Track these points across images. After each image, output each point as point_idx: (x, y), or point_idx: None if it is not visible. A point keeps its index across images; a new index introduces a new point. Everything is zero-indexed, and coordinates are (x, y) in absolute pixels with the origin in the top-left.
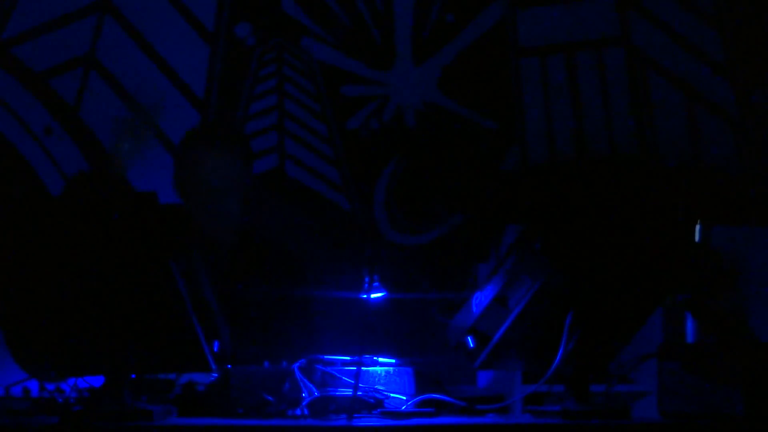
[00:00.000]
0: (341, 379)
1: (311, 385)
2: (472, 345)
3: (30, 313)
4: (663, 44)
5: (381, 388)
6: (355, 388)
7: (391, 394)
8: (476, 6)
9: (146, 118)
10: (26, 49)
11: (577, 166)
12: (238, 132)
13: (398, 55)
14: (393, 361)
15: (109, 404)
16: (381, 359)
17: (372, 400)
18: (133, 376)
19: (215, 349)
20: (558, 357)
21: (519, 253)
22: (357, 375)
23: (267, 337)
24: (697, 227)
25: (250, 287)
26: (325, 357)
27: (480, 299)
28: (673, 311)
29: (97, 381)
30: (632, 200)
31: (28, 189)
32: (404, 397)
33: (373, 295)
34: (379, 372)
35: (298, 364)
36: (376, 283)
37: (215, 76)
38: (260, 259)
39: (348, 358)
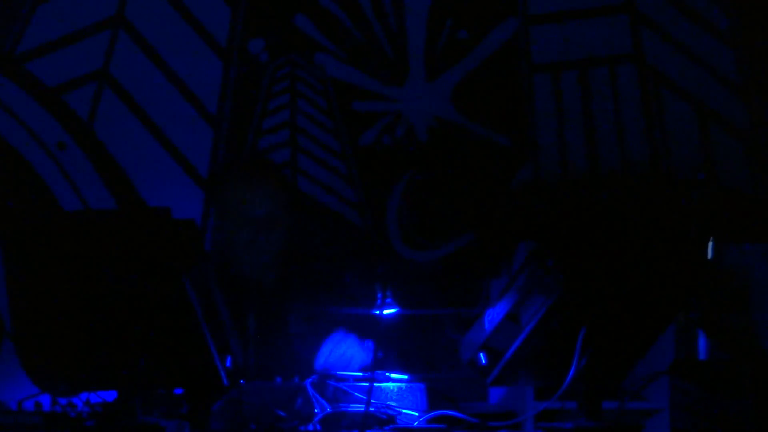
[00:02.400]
0: (353, 395)
1: (323, 401)
2: (484, 361)
3: (43, 328)
4: (676, 61)
5: (393, 404)
6: (368, 404)
7: (404, 410)
8: (489, 22)
9: None
10: (40, 64)
11: (589, 182)
12: (280, 168)
13: (411, 71)
14: (405, 377)
15: (122, 419)
16: (393, 375)
17: (384, 416)
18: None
19: (228, 365)
20: (570, 374)
21: (531, 269)
22: (369, 391)
23: (279, 352)
24: (710, 245)
25: (263, 303)
26: (338, 373)
27: (492, 316)
28: (686, 328)
29: (110, 395)
30: (645, 217)
31: (42, 204)
32: (416, 413)
33: (385, 311)
34: (391, 388)
35: (310, 380)
36: (388, 299)
37: (228, 91)
38: (272, 276)
39: (360, 374)
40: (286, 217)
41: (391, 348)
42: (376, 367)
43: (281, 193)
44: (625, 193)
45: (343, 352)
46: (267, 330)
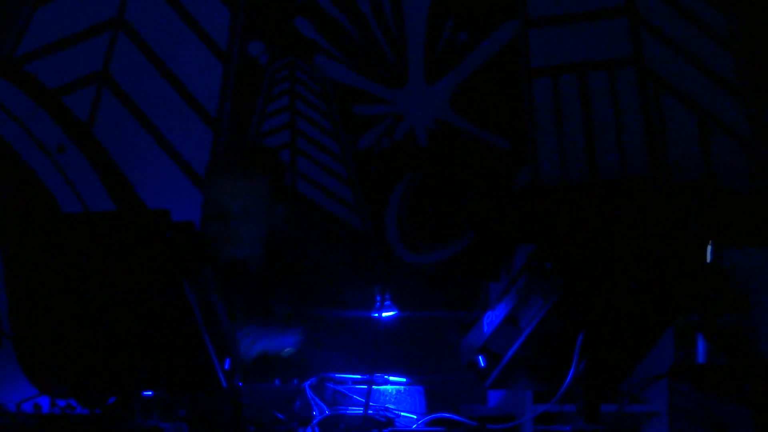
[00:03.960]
0: (352, 397)
1: (322, 404)
2: (483, 364)
3: (42, 330)
4: (675, 64)
5: (392, 406)
6: (366, 406)
7: (402, 413)
8: (489, 25)
9: None
10: (40, 65)
11: (588, 186)
12: (268, 157)
13: (411, 73)
14: (404, 379)
15: (120, 421)
16: (392, 378)
17: (383, 419)
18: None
19: (227, 367)
20: (569, 377)
21: (530, 272)
22: (368, 393)
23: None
24: (709, 248)
25: (262, 306)
26: (336, 375)
27: (491, 318)
28: (685, 332)
29: (109, 398)
30: (644, 221)
31: (42, 206)
32: (415, 416)
33: (384, 314)
34: (390, 390)
35: (309, 382)
36: (387, 302)
37: (228, 93)
38: (272, 278)
39: (359, 376)
40: (268, 212)
41: (390, 351)
42: (375, 370)
43: (265, 186)
44: (624, 196)
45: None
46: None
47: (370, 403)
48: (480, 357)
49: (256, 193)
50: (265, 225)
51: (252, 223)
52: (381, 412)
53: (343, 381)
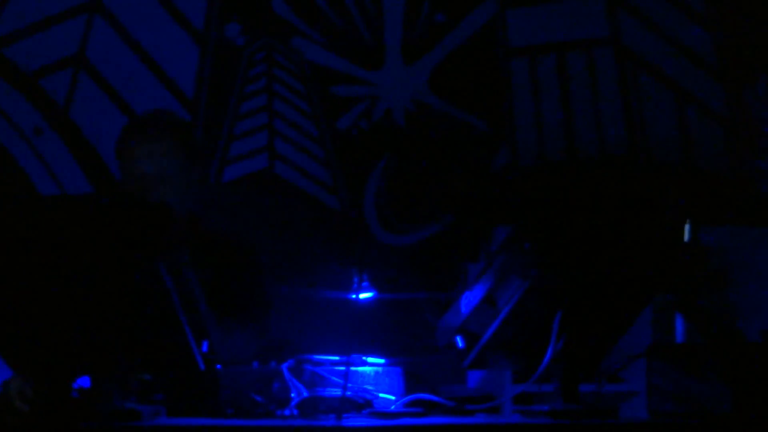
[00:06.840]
0: (330, 379)
1: (300, 386)
2: (461, 345)
3: (18, 312)
4: (653, 44)
5: (370, 388)
6: (344, 388)
7: (380, 394)
8: (466, 6)
9: None
10: (16, 49)
11: (566, 166)
12: (180, 124)
13: (388, 54)
14: (382, 361)
15: (98, 405)
16: (370, 359)
17: (361, 400)
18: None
19: (204, 349)
20: (547, 357)
21: (508, 252)
22: (346, 375)
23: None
24: (687, 227)
25: (239, 286)
26: (314, 357)
27: (469, 299)
28: (663, 311)
29: (85, 381)
30: (622, 200)
31: (17, 189)
32: (393, 397)
33: (362, 295)
34: (368, 372)
35: (287, 364)
36: (365, 283)
37: (205, 76)
38: (248, 259)
39: (337, 358)
40: (180, 175)
41: (368, 332)
42: (353, 351)
43: (175, 150)
44: (603, 176)
45: None
46: None
47: (349, 385)
48: (458, 338)
49: (166, 156)
50: (179, 187)
51: (166, 186)
52: (359, 394)
53: (321, 363)
